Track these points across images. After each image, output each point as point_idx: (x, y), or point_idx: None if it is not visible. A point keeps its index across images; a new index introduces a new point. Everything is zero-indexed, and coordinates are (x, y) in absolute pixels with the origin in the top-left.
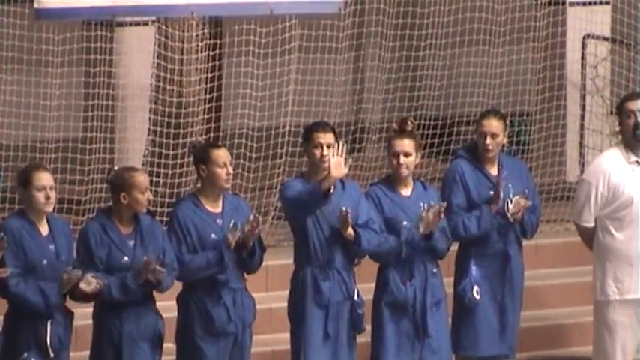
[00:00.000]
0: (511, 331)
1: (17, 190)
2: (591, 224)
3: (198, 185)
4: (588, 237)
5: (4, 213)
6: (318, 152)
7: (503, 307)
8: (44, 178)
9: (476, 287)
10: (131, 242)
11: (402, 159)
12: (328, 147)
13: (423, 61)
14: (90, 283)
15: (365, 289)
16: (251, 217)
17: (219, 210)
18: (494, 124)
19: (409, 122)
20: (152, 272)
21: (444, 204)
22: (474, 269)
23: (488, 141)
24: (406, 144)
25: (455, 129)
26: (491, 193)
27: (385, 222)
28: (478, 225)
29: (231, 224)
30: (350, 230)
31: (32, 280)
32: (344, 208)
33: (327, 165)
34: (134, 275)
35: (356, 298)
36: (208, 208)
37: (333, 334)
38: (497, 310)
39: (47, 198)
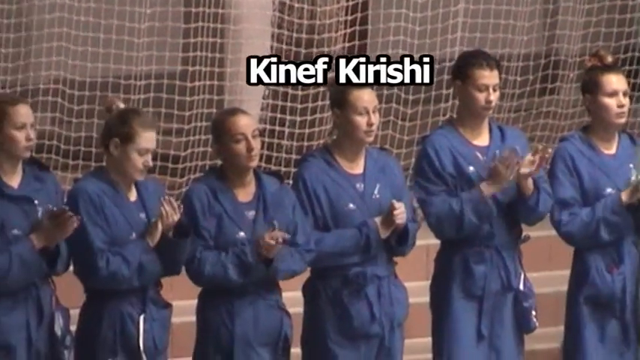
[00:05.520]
0: None
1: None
2: None
3: (334, 137)
4: None
5: (77, 171)
6: (481, 96)
7: None
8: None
9: None
10: (250, 213)
11: (622, 99)
12: (494, 90)
13: None
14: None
15: (556, 278)
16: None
17: (359, 170)
18: None
19: (607, 55)
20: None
21: None
22: None
23: None
24: (623, 80)
25: None
26: None
27: (582, 192)
28: None
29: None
30: (529, 183)
31: (116, 249)
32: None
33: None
34: (253, 249)
35: (521, 287)
36: (345, 167)
37: (488, 335)
38: None
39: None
